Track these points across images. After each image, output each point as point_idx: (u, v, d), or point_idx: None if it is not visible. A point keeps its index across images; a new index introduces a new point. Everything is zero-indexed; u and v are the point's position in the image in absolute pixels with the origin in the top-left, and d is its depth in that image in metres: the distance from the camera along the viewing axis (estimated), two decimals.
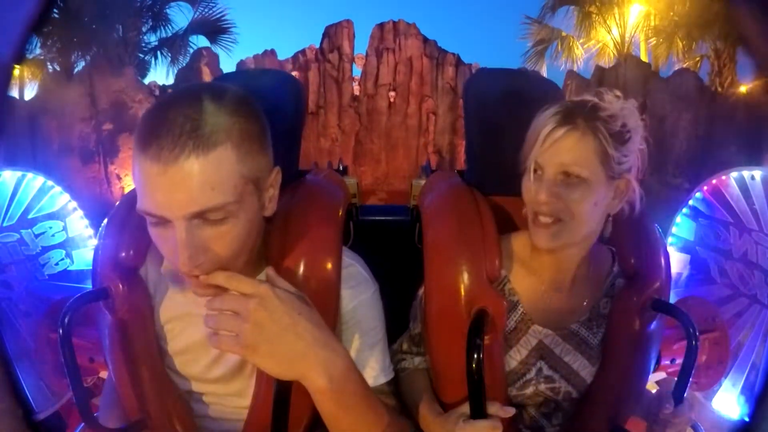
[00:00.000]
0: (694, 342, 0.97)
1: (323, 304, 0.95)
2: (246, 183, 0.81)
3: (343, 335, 1.00)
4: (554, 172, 0.98)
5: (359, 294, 1.01)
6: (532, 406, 1.12)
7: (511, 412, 0.93)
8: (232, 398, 1.01)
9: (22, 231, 1.41)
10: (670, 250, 1.52)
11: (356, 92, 8.57)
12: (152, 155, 0.75)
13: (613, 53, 8.43)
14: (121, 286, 0.97)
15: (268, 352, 0.77)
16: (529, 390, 1.08)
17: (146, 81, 7.83)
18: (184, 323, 0.99)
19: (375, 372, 1.00)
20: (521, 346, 1.08)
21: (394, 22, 8.78)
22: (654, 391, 1.12)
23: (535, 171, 1.01)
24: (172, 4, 8.09)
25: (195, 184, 0.76)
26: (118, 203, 1.08)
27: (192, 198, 0.76)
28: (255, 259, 0.94)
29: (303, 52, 8.70)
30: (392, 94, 8.28)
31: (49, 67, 7.37)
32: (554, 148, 0.98)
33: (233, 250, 0.83)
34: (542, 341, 1.08)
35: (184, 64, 8.06)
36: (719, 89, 7.12)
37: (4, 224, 1.39)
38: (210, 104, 0.79)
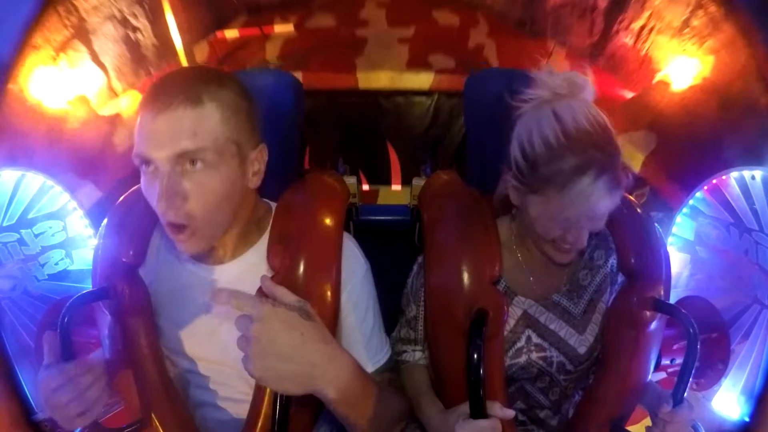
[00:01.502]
0: (694, 342, 0.97)
1: (324, 304, 0.95)
2: (227, 141, 0.90)
3: (341, 324, 1.02)
4: (585, 223, 0.98)
5: (352, 276, 1.03)
6: (527, 381, 1.14)
7: (511, 414, 0.93)
8: (232, 381, 1.02)
9: (22, 231, 1.40)
10: (670, 250, 1.52)
11: None
12: (150, 107, 0.86)
13: None
14: (121, 286, 0.98)
15: (276, 376, 0.79)
16: (522, 359, 1.11)
17: None
18: (182, 296, 1.01)
19: (375, 356, 1.05)
20: (509, 316, 1.11)
21: None
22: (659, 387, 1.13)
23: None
24: None
25: (180, 127, 0.86)
26: (117, 203, 1.08)
27: (176, 139, 0.85)
28: (245, 232, 1.00)
29: None
30: None
31: None
32: (594, 210, 0.96)
33: (209, 205, 0.89)
34: (527, 311, 1.12)
35: None
36: None
37: (4, 224, 1.39)
38: (207, 75, 0.92)
